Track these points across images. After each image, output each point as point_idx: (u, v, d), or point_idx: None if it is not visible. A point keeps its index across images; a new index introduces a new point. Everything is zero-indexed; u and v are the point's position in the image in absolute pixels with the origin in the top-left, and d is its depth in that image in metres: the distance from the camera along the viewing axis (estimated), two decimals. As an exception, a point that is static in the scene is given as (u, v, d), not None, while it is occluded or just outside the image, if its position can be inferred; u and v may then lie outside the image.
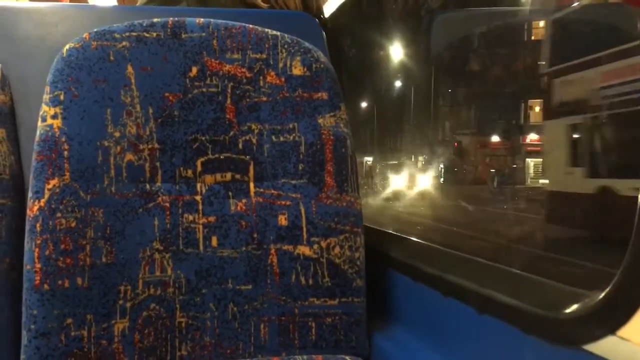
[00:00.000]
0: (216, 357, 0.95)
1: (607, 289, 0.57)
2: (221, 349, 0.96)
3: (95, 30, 0.99)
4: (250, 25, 1.04)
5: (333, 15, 1.44)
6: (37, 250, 0.90)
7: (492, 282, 0.79)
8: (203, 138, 0.99)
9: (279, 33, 1.05)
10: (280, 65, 1.03)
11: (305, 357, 0.96)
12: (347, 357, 0.97)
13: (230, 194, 0.99)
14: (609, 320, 0.57)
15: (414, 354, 0.95)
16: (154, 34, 0.99)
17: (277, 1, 1.43)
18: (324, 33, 1.33)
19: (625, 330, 0.55)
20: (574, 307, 0.62)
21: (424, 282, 0.94)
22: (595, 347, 0.58)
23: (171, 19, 1.01)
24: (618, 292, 0.57)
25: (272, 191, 1.00)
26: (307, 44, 1.06)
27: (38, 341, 0.89)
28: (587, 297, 0.63)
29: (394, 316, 1.06)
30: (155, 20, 1.01)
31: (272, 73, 1.03)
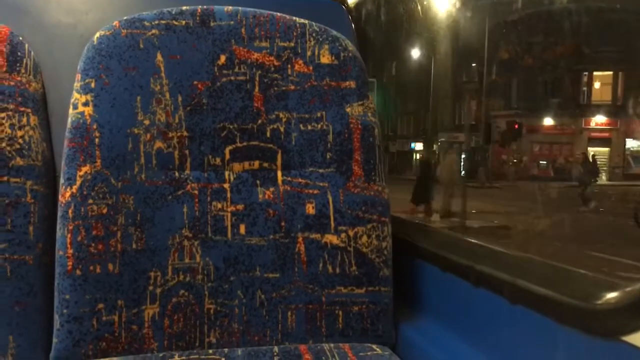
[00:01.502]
0: (244, 344, 0.96)
1: (648, 280, 0.56)
2: (249, 335, 0.96)
3: (125, 18, 0.99)
4: (278, 14, 1.04)
5: (359, 2, 1.43)
6: (69, 236, 0.91)
7: (524, 273, 0.78)
8: (231, 126, 0.99)
9: (307, 21, 1.05)
10: (309, 53, 1.03)
11: (332, 345, 0.96)
12: (373, 346, 0.97)
13: (258, 182, 0.99)
14: (649, 311, 0.56)
15: (441, 343, 0.94)
16: (183, 22, 1.00)
17: None
18: (351, 21, 1.32)
19: None
20: (612, 297, 0.61)
21: (454, 273, 0.93)
22: (633, 339, 0.57)
23: (200, 6, 1.02)
24: (659, 283, 0.56)
25: (300, 180, 1.00)
26: (335, 32, 1.06)
27: (70, 325, 0.91)
28: (625, 287, 0.62)
29: (421, 306, 1.06)
30: (184, 8, 1.01)
31: (300, 61, 1.02)
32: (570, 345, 0.66)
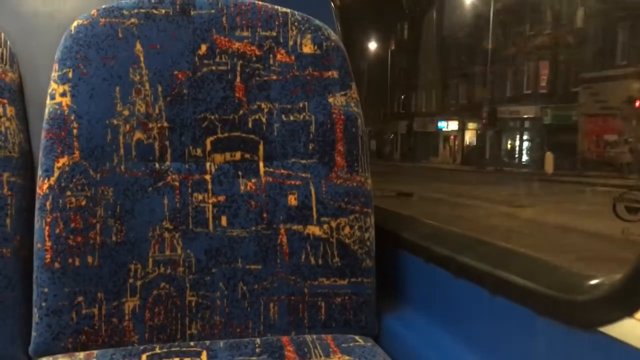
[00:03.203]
0: (226, 336, 0.96)
1: (626, 272, 0.57)
2: (231, 327, 0.96)
3: (103, 6, 0.97)
4: (260, 2, 1.03)
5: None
6: (47, 228, 0.90)
7: (505, 264, 0.78)
8: (212, 117, 0.98)
9: (289, 10, 1.03)
10: (291, 43, 1.02)
11: (314, 336, 0.96)
12: (356, 337, 0.97)
13: (239, 173, 0.99)
14: (627, 302, 0.56)
15: (424, 334, 0.95)
16: (163, 11, 0.98)
17: None
18: (334, 10, 1.31)
19: None
20: (591, 289, 0.61)
21: (436, 263, 0.93)
22: (611, 330, 0.57)
23: None
24: (636, 275, 0.56)
25: (282, 171, 0.99)
26: (317, 21, 1.05)
27: (49, 319, 0.90)
28: (604, 279, 0.62)
29: (403, 297, 1.06)
30: None
31: (282, 51, 1.01)
32: (549, 336, 0.67)
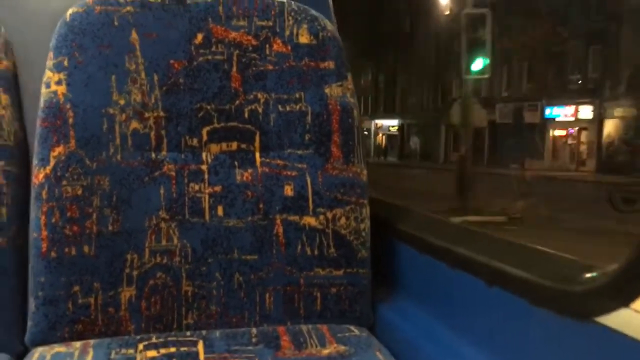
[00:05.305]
0: (222, 326, 0.96)
1: (622, 262, 0.57)
2: (227, 317, 0.96)
3: None
4: None
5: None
6: (43, 217, 0.90)
7: (501, 255, 0.79)
8: (208, 107, 0.98)
9: (285, 0, 1.03)
10: (287, 33, 1.01)
11: (310, 326, 0.97)
12: (351, 327, 0.97)
13: (236, 163, 0.99)
14: (623, 292, 0.57)
15: (419, 325, 0.95)
16: None
17: None
18: (331, 1, 1.31)
19: None
20: (587, 279, 0.62)
21: (431, 254, 0.94)
22: (607, 320, 0.58)
23: None
24: (633, 265, 0.56)
25: (278, 161, 0.99)
26: (314, 11, 1.04)
27: (45, 308, 0.89)
28: (600, 270, 0.63)
29: (399, 287, 1.06)
30: None
31: (279, 41, 1.01)
32: (544, 326, 0.67)
